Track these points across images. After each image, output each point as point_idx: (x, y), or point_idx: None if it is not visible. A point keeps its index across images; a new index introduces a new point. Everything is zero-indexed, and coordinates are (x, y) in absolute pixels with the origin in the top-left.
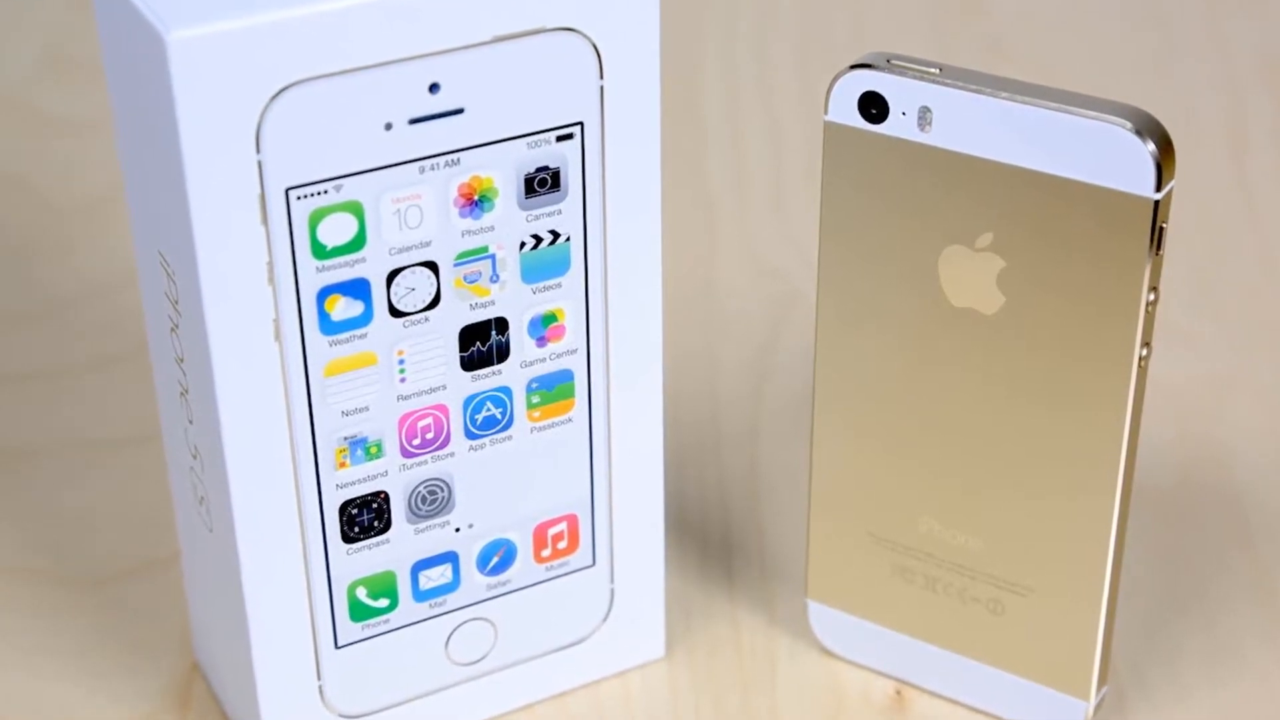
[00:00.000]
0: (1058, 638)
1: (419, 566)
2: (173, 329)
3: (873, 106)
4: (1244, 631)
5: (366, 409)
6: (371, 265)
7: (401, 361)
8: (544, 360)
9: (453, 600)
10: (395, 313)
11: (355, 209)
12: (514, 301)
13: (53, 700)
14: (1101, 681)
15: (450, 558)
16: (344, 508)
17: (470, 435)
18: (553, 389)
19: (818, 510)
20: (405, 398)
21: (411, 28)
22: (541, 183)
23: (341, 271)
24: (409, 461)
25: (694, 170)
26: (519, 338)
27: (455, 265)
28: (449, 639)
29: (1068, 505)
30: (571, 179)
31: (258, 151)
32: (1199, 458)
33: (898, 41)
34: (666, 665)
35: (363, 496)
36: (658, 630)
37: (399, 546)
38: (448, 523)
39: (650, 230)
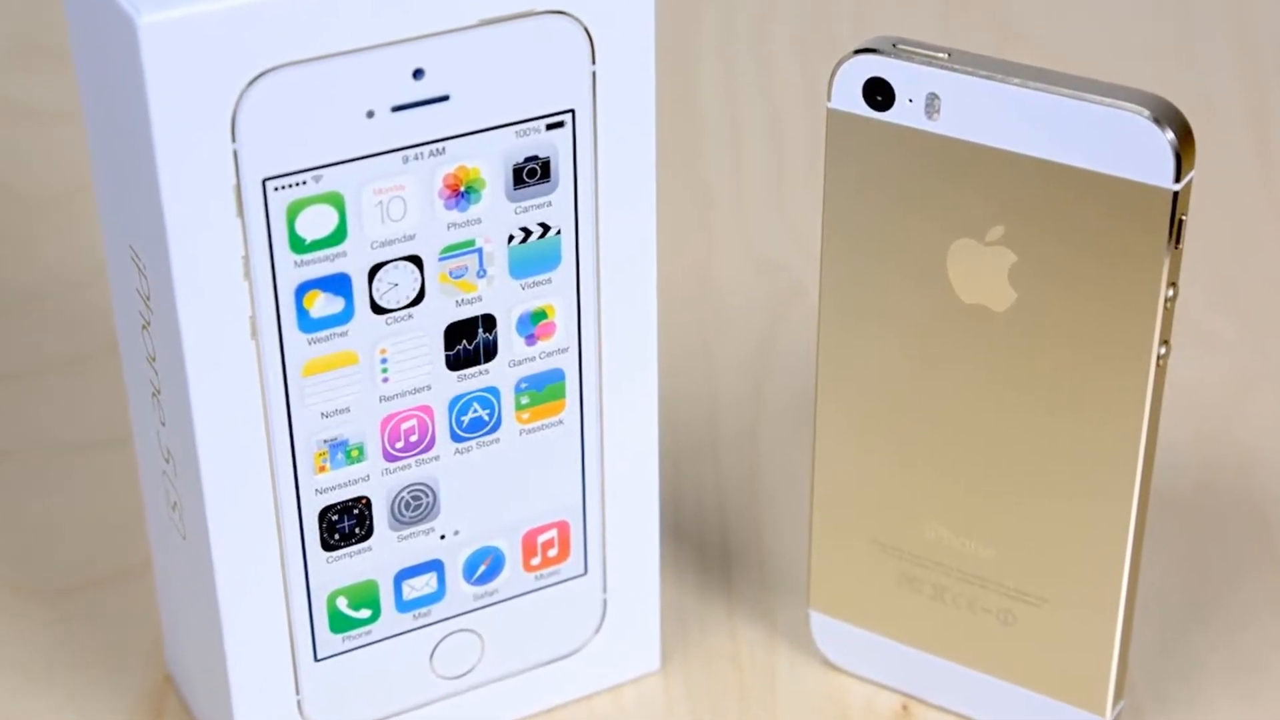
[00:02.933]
0: (1072, 650)
1: (402, 575)
2: (144, 326)
3: (878, 93)
4: (1268, 643)
5: (347, 410)
6: (352, 259)
7: (384, 360)
8: (533, 359)
9: (438, 611)
10: (377, 309)
11: (335, 200)
12: (502, 297)
13: (18, 716)
14: (1118, 696)
15: (435, 566)
16: (324, 514)
17: (456, 438)
18: (543, 389)
19: (820, 516)
20: (388, 399)
21: (394, 11)
22: (531, 173)
23: (321, 266)
24: (392, 465)
25: (691, 160)
26: (507, 335)
27: (440, 259)
28: (434, 651)
29: (1082, 511)
30: (562, 169)
31: (233, 140)
32: (1220, 461)
33: (904, 25)
34: (662, 679)
35: (343, 502)
36: (653, 642)
37: (381, 554)
38: (432, 529)
39: (645, 223)
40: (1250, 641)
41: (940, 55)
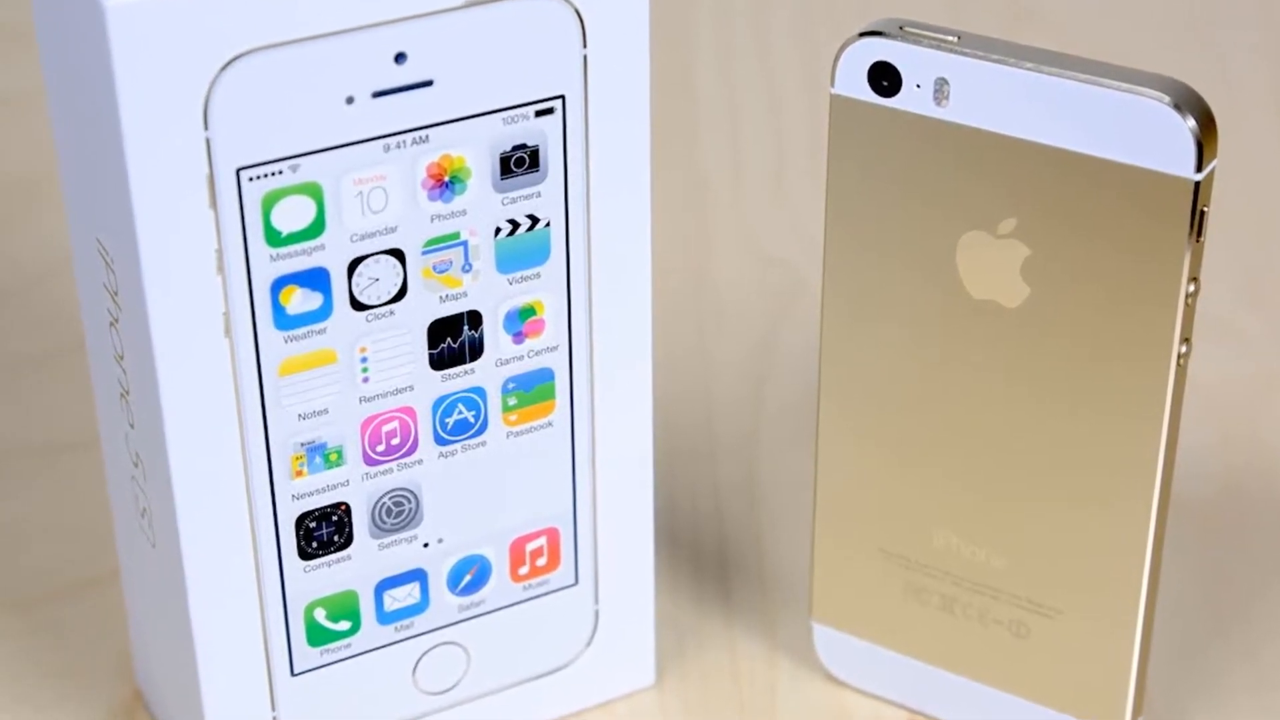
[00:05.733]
0: (1088, 664)
1: (383, 586)
2: (112, 323)
3: (884, 78)
4: None
5: (325, 412)
6: (331, 253)
7: (364, 360)
8: (521, 358)
9: (420, 623)
10: (357, 305)
11: (313, 191)
12: (488, 293)
13: None
14: (1136, 712)
15: (418, 576)
16: (301, 521)
17: (440, 441)
18: (531, 389)
19: (823, 523)
20: (368, 400)
21: None
22: (519, 162)
23: (298, 260)
24: (372, 470)
25: (687, 148)
26: (494, 333)
27: (423, 253)
28: (416, 665)
29: (1099, 518)
30: (552, 158)
31: (205, 128)
32: (1244, 465)
33: (911, 6)
34: (657, 694)
35: (321, 508)
36: (647, 656)
37: (361, 564)
38: (415, 537)
39: (639, 215)
40: (1275, 655)
41: (949, 38)
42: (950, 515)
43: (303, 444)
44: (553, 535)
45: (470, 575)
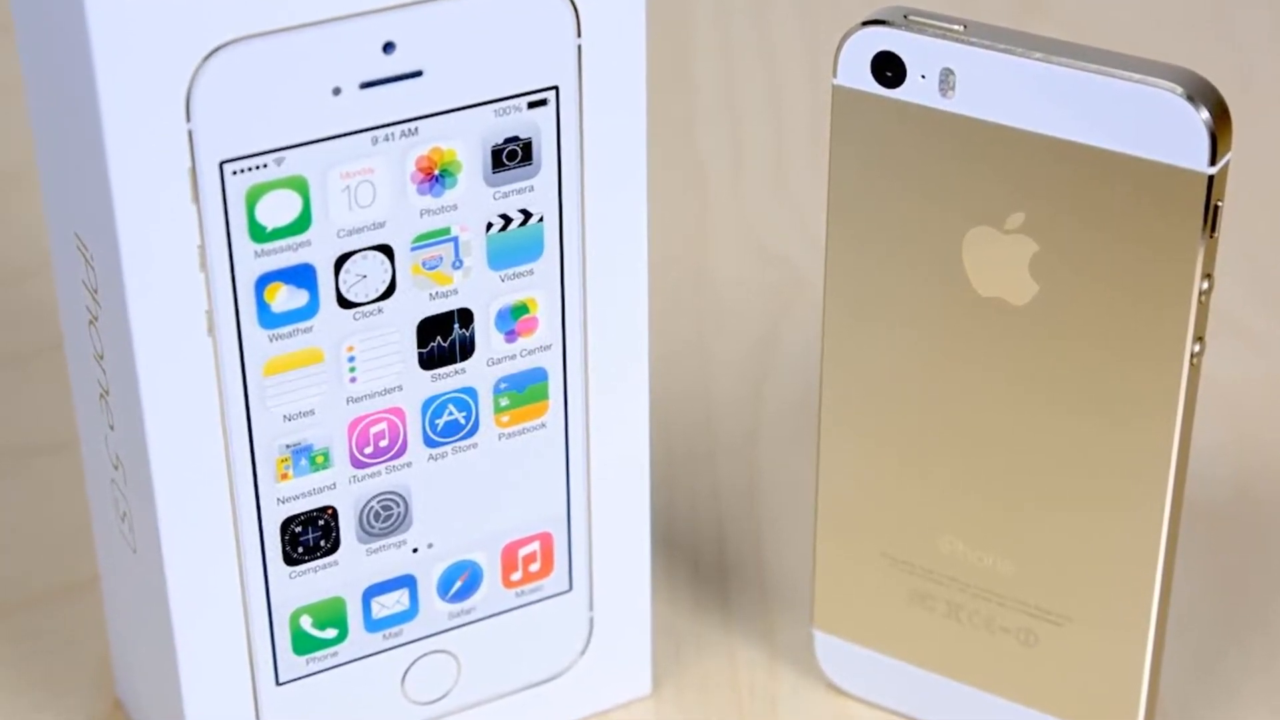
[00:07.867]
0: (1098, 673)
1: (371, 592)
2: (91, 322)
3: (888, 68)
4: None
5: (312, 413)
6: (317, 249)
7: (351, 359)
8: (514, 357)
9: (410, 630)
10: (344, 303)
11: (299, 185)
12: (480, 290)
13: None
14: None
15: (407, 582)
16: (286, 525)
17: (430, 443)
18: (524, 390)
19: (825, 528)
20: (356, 400)
21: None
22: (511, 155)
23: (283, 256)
24: (360, 473)
25: (684, 141)
26: (485, 332)
27: (412, 249)
28: (406, 674)
29: (1110, 522)
30: (545, 151)
31: (188, 120)
32: (1259, 467)
33: None
34: (653, 704)
35: (307, 512)
36: (643, 664)
37: (349, 569)
38: (404, 542)
39: (634, 209)
40: None
41: (955, 27)
42: (956, 519)
43: (288, 446)
44: (546, 540)
45: (461, 581)
